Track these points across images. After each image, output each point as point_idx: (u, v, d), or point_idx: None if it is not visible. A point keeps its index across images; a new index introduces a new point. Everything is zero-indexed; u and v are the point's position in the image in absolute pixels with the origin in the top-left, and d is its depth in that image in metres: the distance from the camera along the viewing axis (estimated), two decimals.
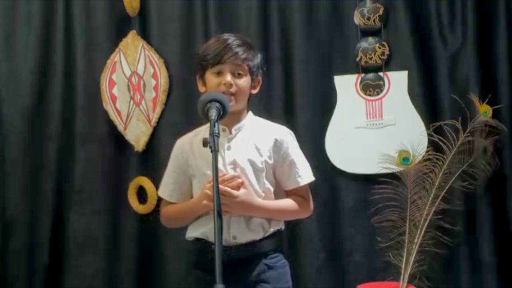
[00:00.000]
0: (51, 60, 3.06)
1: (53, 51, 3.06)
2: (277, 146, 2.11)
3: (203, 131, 2.15)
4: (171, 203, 2.17)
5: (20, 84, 3.06)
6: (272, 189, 2.11)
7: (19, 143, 3.04)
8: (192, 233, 2.12)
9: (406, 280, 2.69)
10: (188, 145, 2.14)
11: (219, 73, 2.06)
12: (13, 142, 3.05)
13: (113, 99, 3.04)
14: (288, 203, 2.12)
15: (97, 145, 3.05)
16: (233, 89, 2.04)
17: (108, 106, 3.04)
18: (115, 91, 3.04)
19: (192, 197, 2.13)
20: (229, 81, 2.03)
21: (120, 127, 3.03)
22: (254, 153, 2.07)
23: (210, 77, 2.07)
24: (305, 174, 2.15)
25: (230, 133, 2.08)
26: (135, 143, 3.02)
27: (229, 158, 2.05)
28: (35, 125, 3.05)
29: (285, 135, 2.15)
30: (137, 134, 3.02)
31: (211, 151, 1.75)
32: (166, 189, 2.19)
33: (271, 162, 2.09)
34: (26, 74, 3.05)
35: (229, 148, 2.07)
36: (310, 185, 2.17)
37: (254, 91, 2.14)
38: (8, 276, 3.01)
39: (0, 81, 3.08)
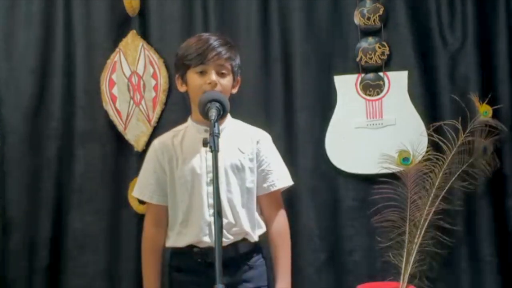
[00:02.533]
0: (51, 60, 3.06)
1: (53, 51, 3.06)
2: (258, 149, 2.13)
3: (182, 130, 2.16)
4: (155, 210, 2.19)
5: (20, 84, 3.05)
6: (254, 189, 2.12)
7: (19, 143, 3.04)
8: (175, 243, 2.17)
9: (406, 280, 2.69)
10: (170, 145, 2.14)
11: (202, 73, 2.05)
12: (13, 142, 3.04)
13: (113, 99, 3.03)
14: (284, 250, 2.19)
15: (97, 145, 3.04)
16: (217, 88, 2.04)
17: (108, 106, 3.04)
18: (115, 91, 3.03)
19: None
20: (215, 80, 2.03)
21: (120, 127, 3.03)
22: (236, 155, 2.09)
23: (193, 76, 2.06)
24: (282, 178, 2.17)
25: None
26: (135, 143, 3.02)
27: (210, 160, 2.03)
28: (35, 125, 3.05)
29: (266, 138, 2.18)
30: (137, 134, 3.01)
31: (211, 151, 1.76)
32: (147, 190, 2.18)
33: (252, 164, 2.11)
34: (26, 74, 3.05)
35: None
36: (287, 189, 2.20)
37: (234, 91, 2.15)
38: (8, 276, 3.00)
39: (0, 81, 3.07)
